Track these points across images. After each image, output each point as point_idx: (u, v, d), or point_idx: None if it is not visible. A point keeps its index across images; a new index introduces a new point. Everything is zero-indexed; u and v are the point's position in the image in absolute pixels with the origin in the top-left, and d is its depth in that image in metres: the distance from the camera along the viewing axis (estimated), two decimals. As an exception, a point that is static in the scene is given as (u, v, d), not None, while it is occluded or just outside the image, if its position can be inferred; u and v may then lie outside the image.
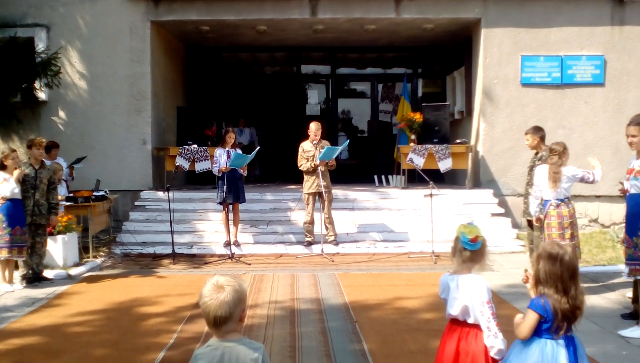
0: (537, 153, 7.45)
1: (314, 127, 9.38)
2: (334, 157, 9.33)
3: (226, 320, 2.36)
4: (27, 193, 7.59)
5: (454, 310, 3.27)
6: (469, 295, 3.18)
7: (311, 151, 9.32)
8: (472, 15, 11.25)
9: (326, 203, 9.27)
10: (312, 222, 9.41)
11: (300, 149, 9.46)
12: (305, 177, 9.40)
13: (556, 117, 11.10)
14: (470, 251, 3.24)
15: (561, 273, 3.00)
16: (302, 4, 11.21)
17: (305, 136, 9.55)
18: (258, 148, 10.36)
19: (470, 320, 3.23)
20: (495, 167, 11.20)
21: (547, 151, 6.80)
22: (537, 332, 3.04)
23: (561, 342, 3.01)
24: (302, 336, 5.45)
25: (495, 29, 11.17)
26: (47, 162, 8.79)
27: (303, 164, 9.35)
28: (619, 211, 10.19)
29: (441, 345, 3.35)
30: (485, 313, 3.12)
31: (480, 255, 3.27)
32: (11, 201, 7.33)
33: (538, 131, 7.36)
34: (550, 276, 3.01)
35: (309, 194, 9.34)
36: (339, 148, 9.47)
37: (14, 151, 7.55)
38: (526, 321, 3.05)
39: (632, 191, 5.51)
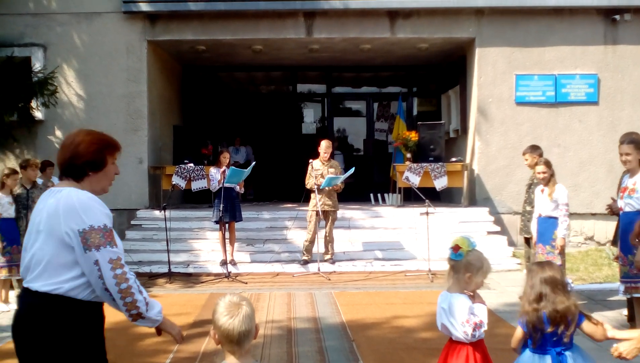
0: None
1: (324, 145, 9.31)
2: (337, 183, 9.20)
3: (249, 335, 2.32)
4: (19, 213, 7.57)
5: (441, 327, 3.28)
6: (447, 315, 3.18)
7: (320, 169, 9.28)
8: (466, 35, 11.36)
9: (329, 222, 9.24)
10: (313, 241, 9.29)
11: (309, 167, 9.36)
12: (312, 194, 9.30)
13: (551, 136, 11.17)
14: (453, 261, 3.23)
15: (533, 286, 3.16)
16: (298, 23, 11.31)
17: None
18: (254, 162, 10.36)
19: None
20: (491, 185, 11.24)
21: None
22: (527, 345, 3.14)
23: (547, 357, 3.03)
24: (300, 355, 5.42)
25: (490, 48, 11.28)
26: (40, 181, 8.78)
27: (309, 182, 9.30)
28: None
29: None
30: (468, 332, 3.12)
31: (463, 268, 3.19)
32: (5, 220, 7.32)
33: (535, 149, 7.40)
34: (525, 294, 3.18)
35: (314, 211, 9.21)
36: (342, 177, 9.28)
37: (16, 172, 7.54)
38: (514, 334, 3.20)
39: (626, 209, 5.53)
